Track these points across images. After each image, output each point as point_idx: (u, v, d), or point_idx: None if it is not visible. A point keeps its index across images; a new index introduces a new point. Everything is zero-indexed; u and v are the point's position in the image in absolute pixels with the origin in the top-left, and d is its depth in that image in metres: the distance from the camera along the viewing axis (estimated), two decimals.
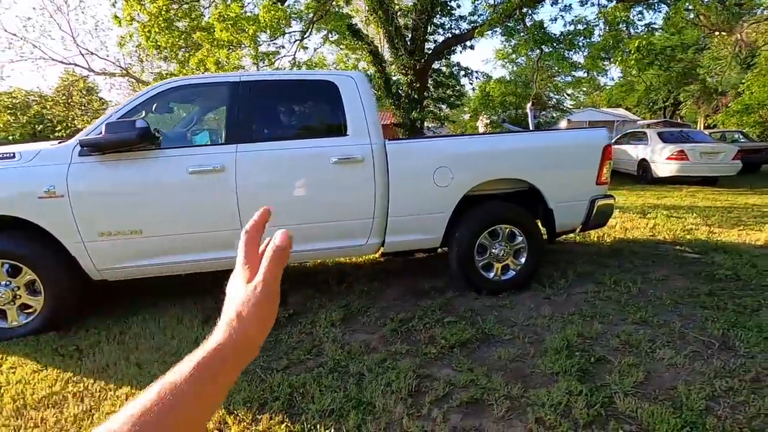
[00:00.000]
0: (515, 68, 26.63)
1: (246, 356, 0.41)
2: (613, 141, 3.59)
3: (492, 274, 3.31)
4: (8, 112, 19.01)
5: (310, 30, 11.40)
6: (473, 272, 3.25)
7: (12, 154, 2.71)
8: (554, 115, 27.03)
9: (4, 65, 22.88)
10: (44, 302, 2.79)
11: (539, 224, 3.47)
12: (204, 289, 3.47)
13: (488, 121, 24.24)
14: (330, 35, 12.91)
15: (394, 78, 15.32)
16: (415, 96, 14.43)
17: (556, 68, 20.33)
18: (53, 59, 14.85)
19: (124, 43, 9.87)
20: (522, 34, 12.15)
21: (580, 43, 12.09)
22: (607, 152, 3.30)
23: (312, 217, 2.93)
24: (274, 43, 10.71)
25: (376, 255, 3.30)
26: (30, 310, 2.82)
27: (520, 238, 3.31)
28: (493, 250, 3.28)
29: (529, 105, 5.93)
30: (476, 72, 15.24)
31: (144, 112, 2.88)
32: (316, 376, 2.27)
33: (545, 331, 2.71)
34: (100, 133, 2.63)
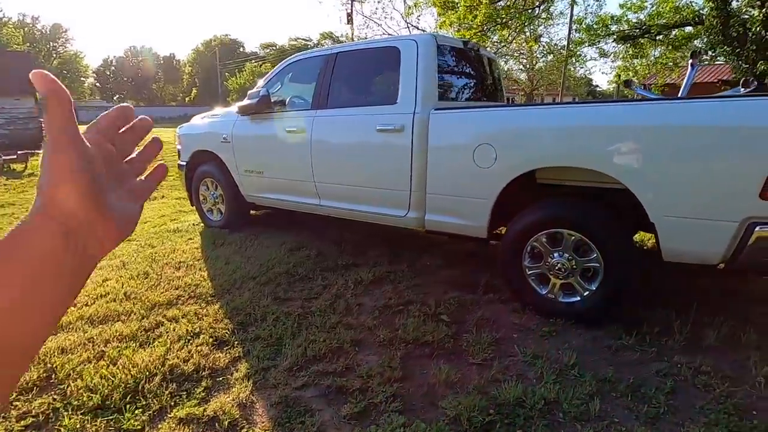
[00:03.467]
0: None
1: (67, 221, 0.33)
2: None
3: (545, 290, 2.54)
4: None
5: None
6: (517, 279, 2.61)
7: (216, 115, 4.21)
8: None
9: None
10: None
11: (633, 239, 2.30)
12: (304, 227, 4.29)
13: None
14: None
15: (742, 16, 10.80)
16: None
17: None
18: (389, 34, 18.77)
19: (411, 12, 11.63)
20: None
21: None
22: None
23: (358, 181, 3.13)
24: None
25: (423, 230, 3.10)
26: (223, 212, 4.42)
27: (593, 255, 2.34)
28: (550, 260, 2.48)
29: (689, 60, 3.15)
30: None
31: (279, 83, 3.77)
32: (288, 308, 2.68)
33: (531, 379, 2.02)
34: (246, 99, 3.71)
